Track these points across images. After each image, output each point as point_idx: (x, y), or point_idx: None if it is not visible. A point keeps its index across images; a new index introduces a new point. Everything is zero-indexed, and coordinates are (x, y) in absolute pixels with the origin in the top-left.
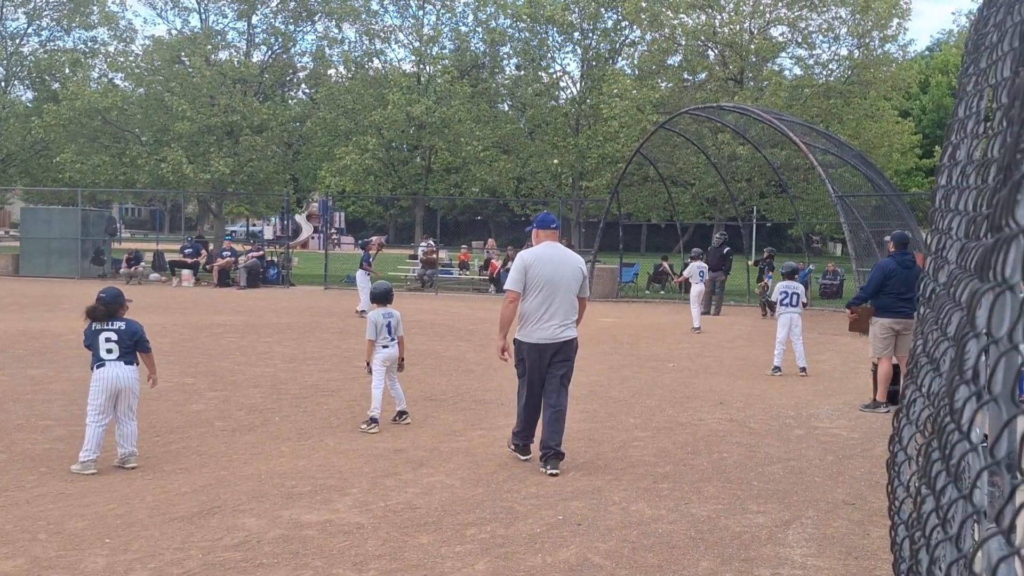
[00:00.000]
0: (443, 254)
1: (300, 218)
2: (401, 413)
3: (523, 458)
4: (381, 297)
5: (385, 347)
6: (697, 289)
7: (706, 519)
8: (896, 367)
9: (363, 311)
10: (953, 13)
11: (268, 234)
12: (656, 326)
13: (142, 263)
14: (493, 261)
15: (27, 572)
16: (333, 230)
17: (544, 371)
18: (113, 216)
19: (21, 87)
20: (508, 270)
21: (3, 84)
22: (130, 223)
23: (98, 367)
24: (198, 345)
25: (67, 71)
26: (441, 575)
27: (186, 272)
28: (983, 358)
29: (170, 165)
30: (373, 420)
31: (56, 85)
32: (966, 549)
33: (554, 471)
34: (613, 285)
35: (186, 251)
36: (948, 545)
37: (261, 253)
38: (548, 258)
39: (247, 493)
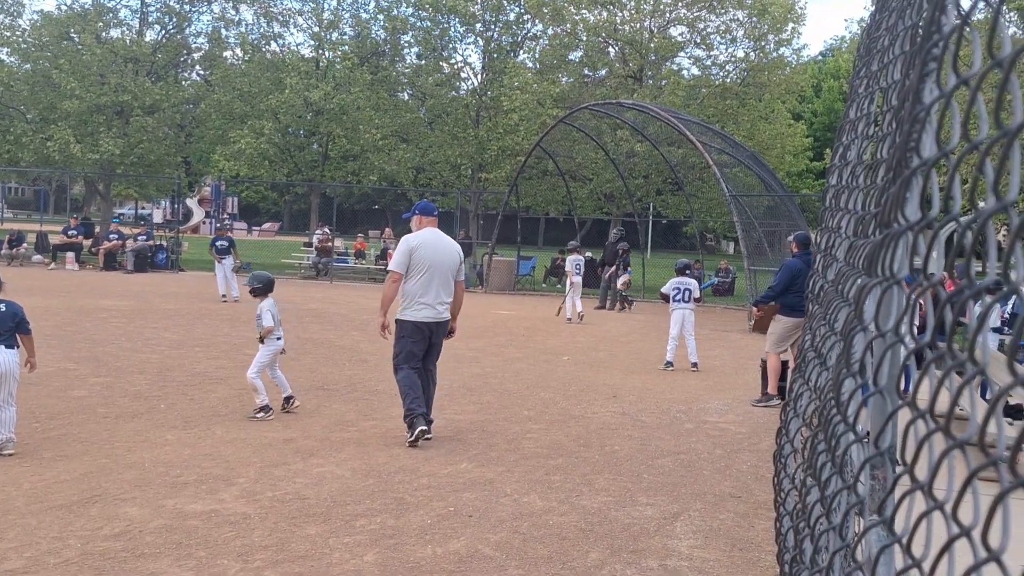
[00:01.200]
0: (339, 242)
1: (191, 202)
2: (288, 399)
3: (428, 435)
4: (269, 287)
5: (279, 339)
6: (576, 281)
7: (596, 511)
8: (785, 362)
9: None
10: (846, 20)
11: (157, 217)
12: (552, 319)
13: (24, 244)
14: (390, 251)
15: None
16: (225, 215)
17: (425, 347)
18: None
19: None
20: None
21: None
22: (12, 203)
23: None
24: (81, 330)
25: None
26: (329, 566)
27: (70, 254)
28: (870, 352)
29: (57, 144)
30: (266, 407)
31: None
32: (849, 538)
33: (428, 435)
34: (510, 278)
35: (69, 232)
36: (832, 534)
37: (150, 241)
38: (431, 243)
39: (130, 482)
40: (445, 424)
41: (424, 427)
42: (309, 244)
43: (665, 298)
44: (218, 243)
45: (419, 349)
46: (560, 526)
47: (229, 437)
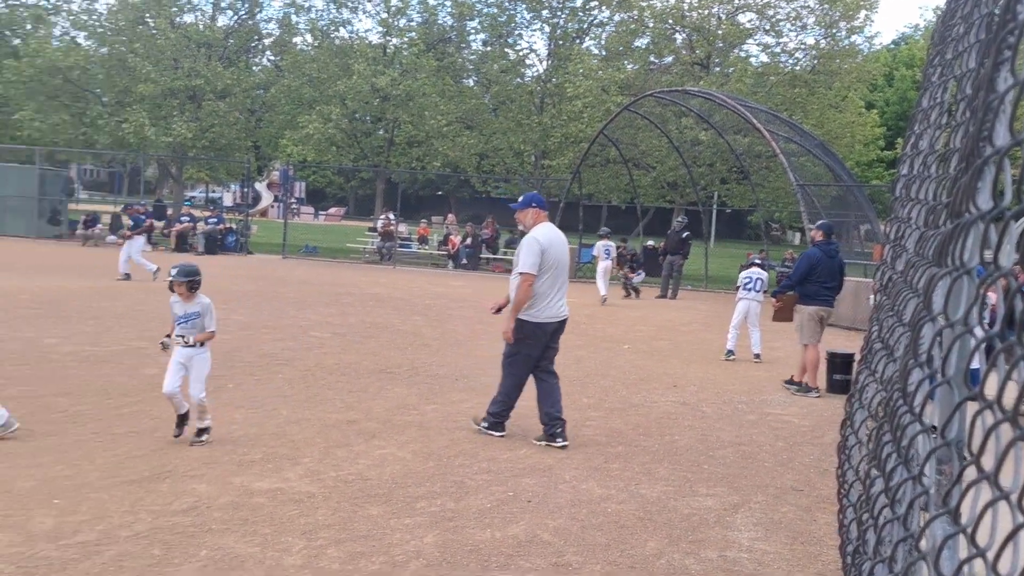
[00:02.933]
0: (402, 228)
1: (260, 186)
2: (198, 432)
3: (497, 435)
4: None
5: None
6: (604, 265)
7: (655, 500)
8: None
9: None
10: (920, 7)
11: (228, 201)
12: (613, 307)
13: (99, 225)
14: (452, 237)
15: None
16: (293, 199)
17: (542, 349)
18: (71, 176)
19: None
20: (468, 246)
21: None
22: (88, 184)
23: None
24: (152, 309)
25: (28, 27)
26: (390, 546)
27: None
28: (938, 343)
29: (131, 126)
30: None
31: (17, 41)
32: (913, 528)
33: (565, 443)
34: (571, 265)
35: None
36: (896, 525)
37: (220, 224)
38: (554, 239)
39: (198, 459)
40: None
41: (501, 434)
42: (373, 229)
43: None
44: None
45: (537, 351)
46: (618, 514)
47: (294, 418)
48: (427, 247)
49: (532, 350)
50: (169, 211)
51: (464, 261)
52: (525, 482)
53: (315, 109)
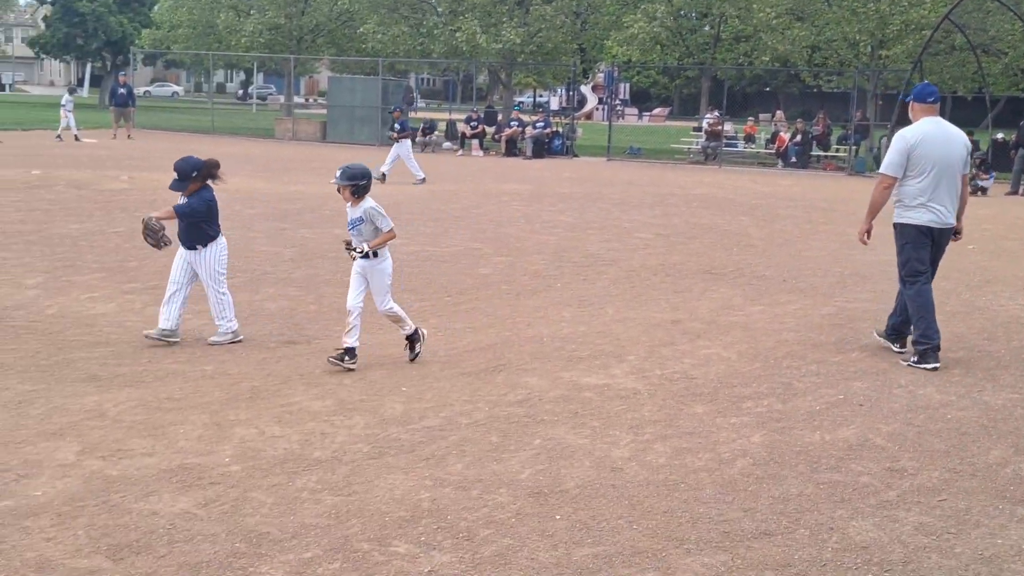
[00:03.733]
0: (728, 126)
1: (585, 89)
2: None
3: (930, 366)
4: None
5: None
6: None
7: (1000, 408)
8: None
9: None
10: None
11: (554, 105)
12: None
13: (435, 132)
14: (781, 134)
15: (336, 412)
16: (617, 101)
17: (928, 254)
18: (410, 86)
19: None
20: (797, 143)
21: None
22: (424, 93)
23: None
24: (486, 212)
25: None
26: (716, 444)
27: (475, 142)
28: None
29: (464, 35)
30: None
31: None
32: None
33: (936, 363)
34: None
35: (470, 123)
36: None
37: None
38: (932, 137)
39: (530, 354)
40: (835, 312)
41: (936, 364)
42: (698, 128)
43: None
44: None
45: (924, 257)
46: (959, 420)
47: (620, 316)
48: (754, 145)
49: (916, 254)
50: (499, 116)
51: (793, 159)
52: (856, 385)
53: (640, 8)
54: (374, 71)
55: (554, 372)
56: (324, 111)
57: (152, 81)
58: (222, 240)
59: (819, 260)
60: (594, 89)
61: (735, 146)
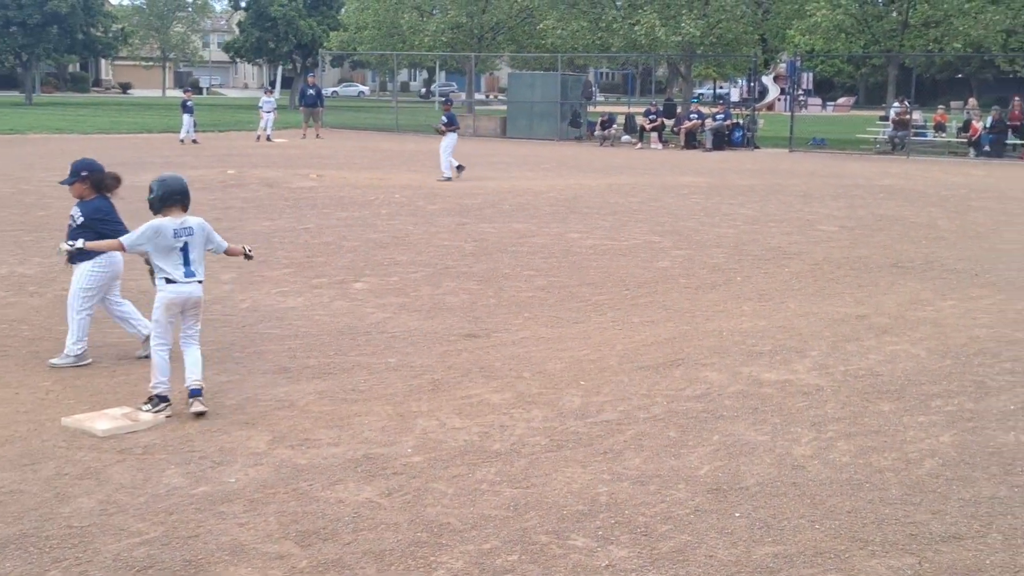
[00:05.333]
0: (917, 115)
1: (767, 79)
2: (193, 392)
3: None
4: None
5: (171, 281)
6: None
7: None
8: None
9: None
10: None
11: (734, 96)
12: None
13: (615, 125)
14: (974, 123)
15: (514, 405)
16: (800, 91)
17: None
18: (589, 80)
19: None
20: (992, 131)
21: None
22: (604, 87)
23: None
24: (664, 205)
25: None
26: (903, 443)
27: (654, 135)
28: None
29: (643, 28)
30: (160, 398)
31: None
32: None
33: None
34: None
35: (649, 116)
36: None
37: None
38: None
39: (709, 348)
40: None
41: None
42: (885, 118)
43: None
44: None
45: None
46: None
47: (802, 311)
48: (944, 134)
49: None
50: (678, 109)
51: (987, 148)
52: None
53: None
54: (553, 67)
55: (734, 367)
56: (504, 107)
57: (339, 82)
58: (105, 259)
59: (1014, 253)
60: (776, 79)
61: (924, 135)
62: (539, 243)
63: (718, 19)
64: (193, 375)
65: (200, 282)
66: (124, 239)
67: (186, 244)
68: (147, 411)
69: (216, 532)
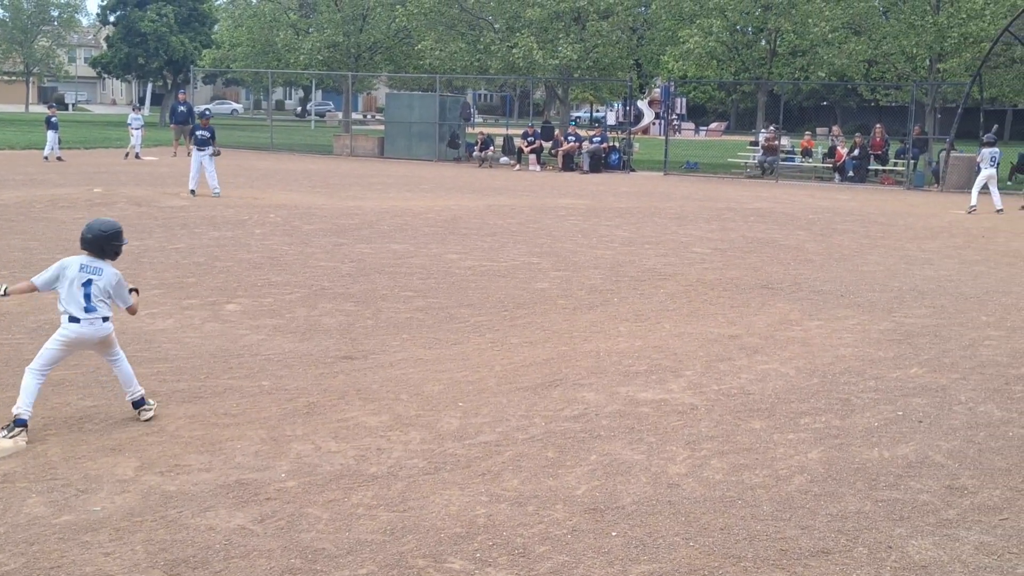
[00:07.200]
0: (785, 141)
1: (642, 104)
2: (136, 404)
3: None
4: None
5: (75, 320)
6: (987, 173)
7: None
8: None
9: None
10: None
11: (611, 120)
12: (1017, 219)
13: (492, 147)
14: (838, 148)
15: (392, 427)
16: (674, 116)
17: None
18: (467, 101)
19: None
20: (855, 157)
21: None
22: (482, 108)
23: None
24: (543, 227)
25: None
26: (773, 460)
27: (532, 156)
28: None
29: (521, 51)
30: (18, 423)
31: None
32: None
33: None
34: (970, 175)
35: (527, 138)
36: None
37: (604, 143)
38: None
39: (586, 368)
40: (893, 327)
41: None
42: (755, 143)
43: None
44: (198, 133)
45: None
46: (1021, 438)
47: (676, 331)
48: (811, 160)
49: None
50: (556, 131)
51: (851, 173)
52: (915, 402)
53: (695, 23)
54: (431, 87)
55: (611, 387)
56: (382, 127)
57: (212, 99)
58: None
59: (877, 275)
60: (651, 104)
61: (792, 160)
62: (417, 264)
63: (594, 44)
64: (127, 389)
65: (106, 319)
66: (35, 279)
67: (89, 281)
68: (3, 437)
69: (80, 563)
